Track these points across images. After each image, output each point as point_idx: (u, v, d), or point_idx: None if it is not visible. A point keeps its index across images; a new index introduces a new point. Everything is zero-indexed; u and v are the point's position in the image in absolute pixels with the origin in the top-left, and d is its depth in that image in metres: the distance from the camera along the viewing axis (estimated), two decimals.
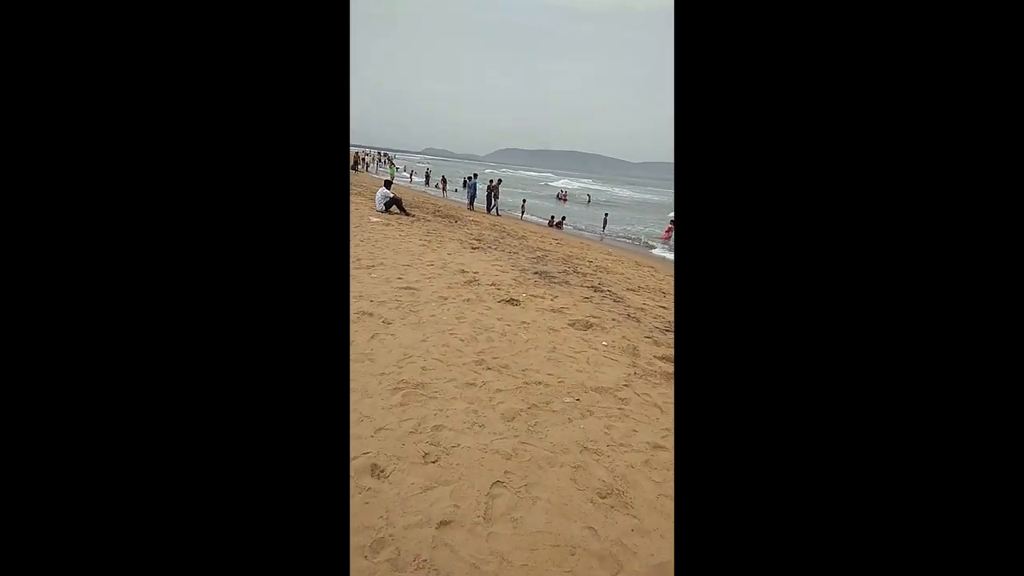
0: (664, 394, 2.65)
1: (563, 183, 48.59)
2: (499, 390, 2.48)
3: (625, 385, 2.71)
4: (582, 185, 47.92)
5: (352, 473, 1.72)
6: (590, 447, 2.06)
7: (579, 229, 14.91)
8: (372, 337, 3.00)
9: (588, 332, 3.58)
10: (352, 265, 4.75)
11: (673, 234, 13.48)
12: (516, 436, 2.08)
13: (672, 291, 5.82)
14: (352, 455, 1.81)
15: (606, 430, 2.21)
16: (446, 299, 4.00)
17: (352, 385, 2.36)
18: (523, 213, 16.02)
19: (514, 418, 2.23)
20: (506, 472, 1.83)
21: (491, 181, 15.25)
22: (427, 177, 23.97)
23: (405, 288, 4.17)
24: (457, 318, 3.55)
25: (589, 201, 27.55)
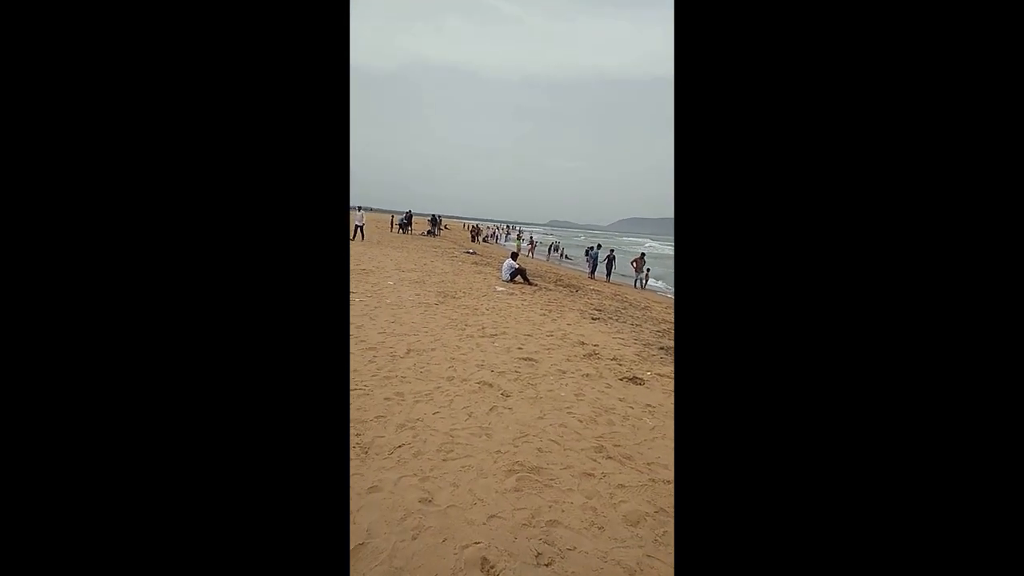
0: None
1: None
2: (621, 485, 2.24)
3: None
4: None
5: (461, 564, 1.63)
6: None
7: None
8: (490, 410, 2.99)
9: None
10: (478, 333, 4.95)
11: None
12: (641, 547, 1.81)
13: None
14: (463, 543, 1.74)
15: None
16: (564, 372, 3.89)
17: (468, 461, 2.33)
18: (646, 282, 15.47)
19: (639, 523, 1.96)
20: None
21: (616, 254, 15.54)
22: (552, 248, 25.32)
23: (525, 359, 4.17)
24: (576, 395, 3.40)
25: None
